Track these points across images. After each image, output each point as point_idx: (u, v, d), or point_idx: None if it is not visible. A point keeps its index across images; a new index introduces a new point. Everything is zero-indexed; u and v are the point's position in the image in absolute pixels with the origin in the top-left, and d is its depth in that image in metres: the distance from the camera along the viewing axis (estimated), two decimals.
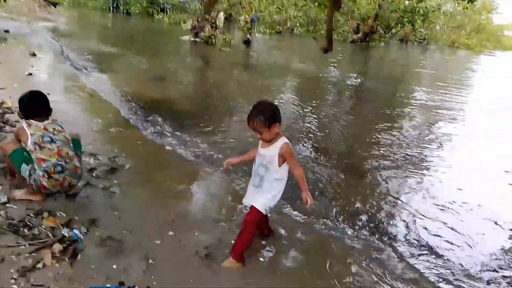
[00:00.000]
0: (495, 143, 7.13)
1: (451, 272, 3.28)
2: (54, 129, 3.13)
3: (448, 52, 27.16)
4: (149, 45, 14.26)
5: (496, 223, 4.24)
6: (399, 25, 24.85)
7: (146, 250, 2.84)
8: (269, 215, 3.05)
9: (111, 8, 24.02)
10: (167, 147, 5.02)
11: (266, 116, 2.71)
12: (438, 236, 3.82)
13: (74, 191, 3.38)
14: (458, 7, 31.55)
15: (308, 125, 6.87)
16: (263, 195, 2.86)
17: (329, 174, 4.91)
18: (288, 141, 2.83)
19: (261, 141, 2.89)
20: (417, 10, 22.23)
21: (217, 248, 3.03)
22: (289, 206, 3.91)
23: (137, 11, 23.64)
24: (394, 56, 22.62)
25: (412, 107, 9.44)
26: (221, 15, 20.58)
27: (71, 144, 3.22)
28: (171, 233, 3.13)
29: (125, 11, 23.86)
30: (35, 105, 3.19)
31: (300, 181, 2.84)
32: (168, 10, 23.92)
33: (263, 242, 3.18)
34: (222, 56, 14.52)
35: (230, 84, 9.64)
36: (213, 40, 15.99)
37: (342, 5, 6.09)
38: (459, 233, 3.91)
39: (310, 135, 6.42)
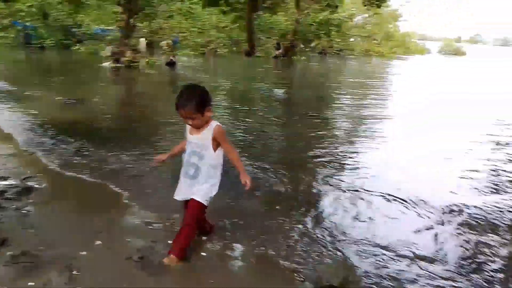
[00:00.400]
0: (414, 140, 7.34)
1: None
2: None
3: (364, 60, 28.99)
4: (66, 75, 13.53)
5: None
6: (317, 37, 26.23)
7: (68, 262, 2.53)
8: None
9: (23, 43, 22.57)
10: (84, 163, 4.64)
11: (198, 100, 2.57)
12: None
13: None
14: (368, 17, 34.25)
15: (242, 131, 6.79)
16: (201, 185, 2.68)
17: (268, 171, 4.82)
18: (220, 124, 2.71)
19: (189, 128, 2.74)
20: (330, 22, 23.67)
21: (152, 250, 2.79)
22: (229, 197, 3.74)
23: (52, 45, 22.42)
24: (315, 67, 23.66)
25: (337, 109, 9.80)
26: (142, 40, 20.28)
27: None
28: (98, 242, 2.83)
29: (38, 45, 22.50)
30: None
31: (236, 163, 2.72)
32: (85, 40, 23.02)
33: (204, 238, 2.98)
34: (145, 78, 14.17)
35: (153, 103, 9.34)
36: (135, 64, 15.58)
37: (260, 11, 6.12)
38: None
39: (245, 138, 6.34)
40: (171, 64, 17.24)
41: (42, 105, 7.64)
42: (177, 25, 22.83)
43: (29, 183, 3.78)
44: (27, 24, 21.86)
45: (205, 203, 2.70)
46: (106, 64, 15.82)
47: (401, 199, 4.09)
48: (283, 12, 26.33)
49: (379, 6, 21.05)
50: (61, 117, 6.74)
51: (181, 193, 2.78)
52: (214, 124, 2.66)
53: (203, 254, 2.81)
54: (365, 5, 22.55)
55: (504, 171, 5.27)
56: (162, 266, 2.58)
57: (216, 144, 2.67)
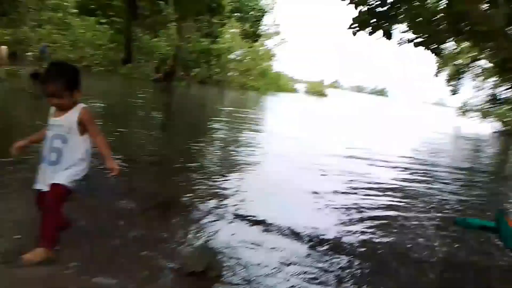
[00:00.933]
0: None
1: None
2: None
3: (241, 93, 30.43)
4: None
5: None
6: (196, 65, 26.75)
7: None
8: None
9: None
10: None
11: (70, 78, 2.41)
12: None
13: None
14: (245, 52, 36.35)
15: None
16: (65, 171, 2.42)
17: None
18: (87, 106, 2.52)
19: (53, 110, 2.50)
20: (210, 51, 24.49)
21: (16, 252, 2.37)
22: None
23: None
24: (194, 94, 23.96)
25: (214, 133, 10.03)
26: (4, 47, 18.05)
27: None
28: None
29: None
30: None
31: (103, 148, 2.52)
32: None
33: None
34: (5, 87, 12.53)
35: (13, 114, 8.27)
36: None
37: (139, 18, 6.04)
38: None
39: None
40: (36, 75, 15.58)
41: None
42: (46, 35, 20.92)
43: None
44: None
45: (68, 184, 2.43)
46: None
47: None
48: (165, 37, 26.33)
49: (255, 41, 22.61)
50: None
51: (42, 182, 2.47)
52: (81, 105, 2.49)
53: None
54: (242, 39, 24.01)
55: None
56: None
57: (82, 128, 2.47)
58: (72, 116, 2.45)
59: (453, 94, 31.10)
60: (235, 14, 21.28)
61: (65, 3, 16.63)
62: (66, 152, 2.45)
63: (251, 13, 21.44)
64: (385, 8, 5.94)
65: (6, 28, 17.38)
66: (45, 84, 2.39)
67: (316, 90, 54.63)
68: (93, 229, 2.95)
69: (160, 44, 26.95)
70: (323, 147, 9.62)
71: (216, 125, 10.77)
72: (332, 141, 11.21)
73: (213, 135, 9.16)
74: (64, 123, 2.45)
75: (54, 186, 2.40)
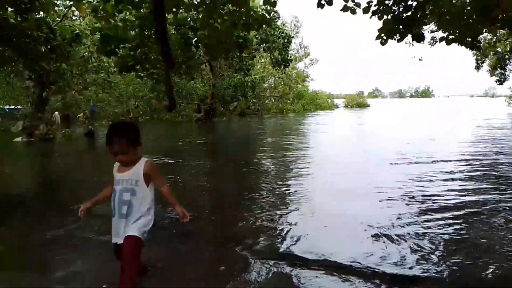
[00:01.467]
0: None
1: None
2: None
3: (280, 117, 30.83)
4: None
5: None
6: (234, 99, 27.56)
7: None
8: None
9: None
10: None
11: (132, 135, 2.61)
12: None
13: None
14: (278, 79, 36.92)
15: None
16: (135, 223, 2.59)
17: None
18: (150, 159, 2.70)
19: (117, 168, 2.70)
20: (245, 83, 25.18)
21: None
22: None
23: None
24: (236, 125, 24.63)
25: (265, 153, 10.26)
26: (56, 113, 19.58)
27: None
28: None
29: None
30: None
31: (169, 196, 2.69)
32: None
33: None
34: (61, 148, 13.55)
35: (72, 172, 8.90)
36: (51, 137, 14.92)
37: (175, 65, 6.49)
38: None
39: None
40: (90, 134, 16.77)
41: None
42: (93, 96, 22.53)
43: None
44: None
45: (141, 236, 2.60)
46: (19, 139, 14.95)
47: None
48: (200, 78, 27.48)
49: (285, 66, 23.01)
50: None
51: (116, 235, 2.64)
52: (144, 159, 2.67)
53: None
54: (273, 66, 24.49)
55: None
56: None
57: (147, 179, 2.65)
58: (138, 169, 2.62)
59: (500, 83, 29.69)
60: (262, 45, 21.85)
61: (105, 64, 17.88)
62: (135, 204, 2.61)
63: (277, 41, 21.94)
64: (409, 13, 5.94)
65: (56, 95, 18.88)
66: (110, 145, 2.59)
67: (356, 102, 54.11)
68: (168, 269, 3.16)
69: (197, 86, 28.13)
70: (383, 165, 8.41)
71: (263, 157, 10.93)
72: (386, 151, 10.94)
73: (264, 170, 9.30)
74: (131, 177, 2.62)
75: (128, 239, 2.56)
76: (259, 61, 33.03)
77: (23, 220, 4.71)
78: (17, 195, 6.16)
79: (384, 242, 3.74)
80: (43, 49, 6.74)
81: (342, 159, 9.40)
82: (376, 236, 3.90)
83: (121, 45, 7.10)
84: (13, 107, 21.12)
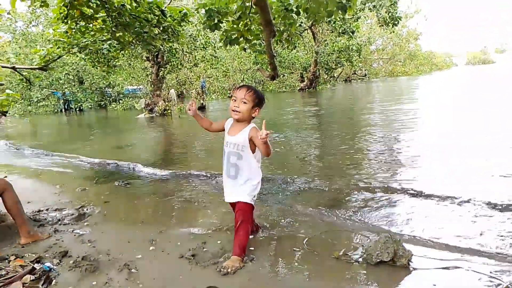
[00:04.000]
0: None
1: None
2: None
3: (390, 80, 29.00)
4: (111, 128, 14.39)
5: None
6: (339, 64, 26.61)
7: (126, 263, 2.67)
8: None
9: (63, 109, 24.23)
10: (133, 191, 4.87)
11: (259, 94, 2.76)
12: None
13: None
14: (386, 39, 34.48)
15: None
16: (243, 186, 2.76)
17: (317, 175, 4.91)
18: (256, 126, 2.78)
19: (228, 129, 2.85)
20: (350, 47, 24.04)
21: (201, 249, 2.89)
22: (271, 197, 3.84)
23: (89, 106, 23.94)
24: (342, 92, 23.91)
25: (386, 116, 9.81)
26: (172, 91, 21.24)
27: None
28: (152, 248, 2.97)
29: (77, 109, 24.10)
30: None
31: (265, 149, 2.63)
32: (120, 99, 24.44)
33: (251, 237, 3.01)
34: (179, 122, 14.73)
35: (193, 141, 9.66)
36: (169, 112, 16.32)
37: (276, 34, 6.44)
38: None
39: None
40: (202, 107, 17.91)
41: (97, 151, 8.16)
42: (202, 72, 23.84)
43: (83, 211, 4.02)
44: (66, 91, 23.50)
45: (252, 202, 2.76)
46: (142, 115, 16.68)
47: None
48: (302, 46, 27.04)
49: (394, 25, 21.20)
50: (113, 158, 7.16)
51: (228, 195, 2.87)
52: (251, 125, 2.76)
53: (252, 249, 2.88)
54: (380, 26, 22.77)
55: None
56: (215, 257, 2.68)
57: (254, 144, 2.73)
58: (243, 135, 2.73)
59: None
60: (368, 4, 20.39)
61: (211, 40, 18.66)
62: (241, 167, 2.76)
63: None
64: None
65: (171, 73, 20.46)
66: (239, 89, 2.76)
67: (479, 59, 48.25)
68: (276, 231, 3.24)
69: (299, 55, 27.82)
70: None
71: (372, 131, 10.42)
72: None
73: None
74: (237, 141, 2.75)
75: (240, 204, 2.74)
76: (365, 21, 31.11)
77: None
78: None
79: None
80: (156, 31, 7.21)
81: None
82: None
83: (225, 19, 7.27)
84: (135, 87, 23.51)
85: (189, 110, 2.96)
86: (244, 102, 2.70)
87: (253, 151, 2.76)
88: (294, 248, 2.87)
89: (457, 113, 10.43)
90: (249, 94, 2.71)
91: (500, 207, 3.55)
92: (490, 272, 2.43)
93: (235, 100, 2.74)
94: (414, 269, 2.50)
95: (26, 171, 6.66)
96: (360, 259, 2.64)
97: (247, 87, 2.75)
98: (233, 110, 2.74)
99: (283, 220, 3.46)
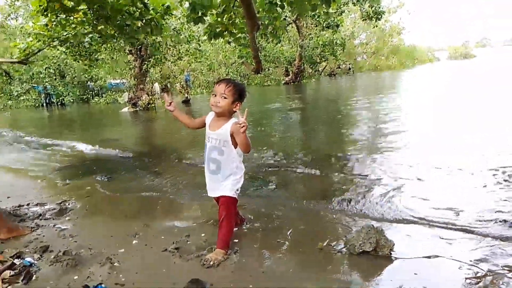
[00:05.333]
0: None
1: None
2: None
3: (374, 75, 29.27)
4: (94, 122, 14.17)
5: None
6: (323, 59, 26.69)
7: (109, 256, 2.64)
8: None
9: (45, 103, 23.73)
10: (116, 186, 4.81)
11: (239, 88, 2.70)
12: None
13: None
14: (370, 34, 34.72)
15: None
16: (225, 181, 2.74)
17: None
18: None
19: (209, 124, 2.82)
20: (334, 41, 24.11)
21: (185, 242, 2.89)
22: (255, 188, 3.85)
23: (71, 101, 23.51)
24: (326, 85, 24.01)
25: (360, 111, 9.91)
26: (156, 85, 21.02)
27: None
28: (135, 242, 2.95)
29: (59, 103, 23.65)
30: None
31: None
32: (102, 93, 24.05)
33: (235, 229, 3.00)
34: (163, 116, 14.58)
35: (173, 137, 9.55)
36: (152, 106, 16.16)
37: (260, 27, 6.41)
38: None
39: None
40: (186, 101, 17.79)
41: (80, 146, 8.04)
42: (186, 65, 23.63)
43: (65, 205, 3.96)
44: (47, 85, 23.02)
45: (235, 196, 2.76)
46: (125, 109, 16.47)
47: None
48: (286, 40, 27.02)
49: (378, 19, 21.32)
50: (96, 154, 7.05)
51: (210, 190, 2.86)
52: (232, 120, 2.73)
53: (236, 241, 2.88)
54: (363, 20, 22.90)
55: None
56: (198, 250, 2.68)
57: (234, 140, 2.69)
58: (225, 129, 2.69)
59: None
60: None
61: (195, 34, 18.49)
62: (223, 163, 2.73)
63: None
64: None
65: (154, 67, 20.23)
66: (218, 84, 2.70)
67: (461, 54, 49.07)
68: (260, 223, 3.25)
69: (283, 49, 27.76)
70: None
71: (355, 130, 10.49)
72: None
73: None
74: (218, 136, 2.72)
75: (223, 199, 2.74)
76: (349, 16, 31.22)
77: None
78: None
79: None
80: (139, 24, 7.09)
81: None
82: None
83: (209, 12, 7.19)
84: (118, 81, 23.16)
85: (168, 106, 2.91)
86: (224, 97, 2.66)
87: (235, 146, 2.72)
88: (278, 240, 2.89)
89: (435, 110, 10.57)
90: (229, 89, 2.66)
91: (482, 191, 3.63)
92: (470, 261, 2.49)
93: (215, 95, 2.69)
94: (396, 258, 2.54)
95: (6, 164, 6.52)
96: (344, 250, 2.68)
97: (226, 81, 2.70)
98: (213, 105, 2.72)
99: (267, 212, 3.48)
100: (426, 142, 6.38)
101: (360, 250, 2.59)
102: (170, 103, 2.89)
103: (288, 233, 2.99)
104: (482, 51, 71.14)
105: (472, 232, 2.95)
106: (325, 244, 2.77)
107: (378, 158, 5.44)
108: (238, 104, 2.70)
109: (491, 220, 3.12)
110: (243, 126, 2.45)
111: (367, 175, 4.57)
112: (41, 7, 6.02)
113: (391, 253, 2.57)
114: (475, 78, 20.38)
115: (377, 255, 2.55)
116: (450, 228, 3.03)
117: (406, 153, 5.69)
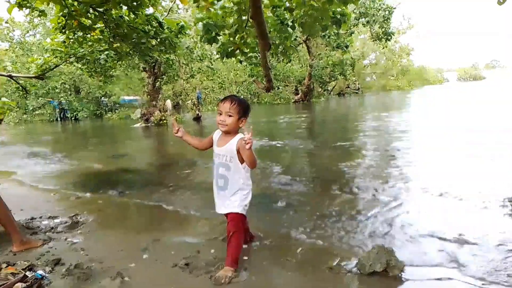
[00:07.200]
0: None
1: None
2: None
3: (383, 95, 29.31)
4: (107, 137, 14.36)
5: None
6: (333, 78, 26.90)
7: (119, 271, 2.66)
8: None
9: (59, 118, 24.15)
10: (128, 200, 4.86)
11: (243, 105, 2.73)
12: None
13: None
14: (379, 54, 34.92)
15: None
16: (233, 197, 2.76)
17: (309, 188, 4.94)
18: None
19: (216, 140, 2.85)
20: (344, 61, 24.33)
21: (196, 258, 2.90)
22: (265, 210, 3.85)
23: (85, 116, 23.89)
24: (335, 104, 24.12)
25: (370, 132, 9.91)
26: (168, 101, 21.30)
27: None
28: (145, 256, 2.97)
29: (72, 118, 24.04)
30: None
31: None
32: (115, 109, 24.42)
33: (245, 246, 3.03)
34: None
35: (184, 152, 9.62)
36: (164, 122, 16.36)
37: (271, 47, 6.53)
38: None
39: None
40: (197, 118, 17.97)
41: (93, 160, 8.13)
42: (199, 83, 23.97)
43: (76, 219, 4.01)
44: (62, 100, 23.49)
45: (243, 212, 2.76)
46: (138, 125, 16.68)
47: None
48: (297, 59, 27.33)
49: (387, 40, 21.49)
50: (108, 168, 7.15)
51: (218, 207, 2.86)
52: (239, 136, 2.75)
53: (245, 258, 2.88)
54: (374, 40, 23.11)
55: None
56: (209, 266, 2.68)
57: (241, 156, 2.71)
58: (231, 146, 2.72)
59: None
60: (361, 19, 20.69)
61: (208, 52, 18.82)
62: (230, 178, 2.75)
63: (378, 14, 20.51)
64: None
65: (167, 84, 20.56)
66: (223, 102, 2.72)
67: (470, 75, 48.96)
68: (269, 240, 3.25)
69: (293, 68, 28.09)
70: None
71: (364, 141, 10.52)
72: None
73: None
74: (225, 152, 2.75)
75: (231, 215, 2.74)
76: (358, 36, 31.53)
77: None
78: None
79: None
80: (153, 42, 7.27)
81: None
82: None
83: (222, 32, 7.35)
84: (131, 97, 23.53)
85: (176, 133, 2.94)
86: (230, 115, 2.69)
87: (241, 162, 2.74)
88: (288, 258, 2.88)
89: (445, 131, 10.52)
90: (234, 106, 2.68)
91: (495, 210, 3.59)
92: (483, 284, 2.45)
93: (220, 114, 2.73)
94: (407, 280, 2.52)
95: (20, 178, 6.62)
96: (354, 269, 2.66)
97: (231, 99, 2.72)
98: (220, 124, 2.76)
99: (277, 230, 3.48)
100: (436, 163, 6.34)
101: (371, 271, 2.57)
102: (178, 129, 2.93)
103: (297, 251, 2.99)
104: (491, 72, 70.84)
105: (485, 253, 2.90)
106: (335, 263, 2.76)
107: (388, 179, 5.41)
108: (244, 120, 2.74)
109: (506, 242, 3.07)
110: (248, 142, 2.49)
111: (377, 195, 4.55)
112: (60, 25, 6.21)
113: (401, 274, 2.55)
114: (485, 101, 20.26)
115: (388, 276, 2.53)
116: (463, 250, 2.99)
117: (417, 175, 5.65)
